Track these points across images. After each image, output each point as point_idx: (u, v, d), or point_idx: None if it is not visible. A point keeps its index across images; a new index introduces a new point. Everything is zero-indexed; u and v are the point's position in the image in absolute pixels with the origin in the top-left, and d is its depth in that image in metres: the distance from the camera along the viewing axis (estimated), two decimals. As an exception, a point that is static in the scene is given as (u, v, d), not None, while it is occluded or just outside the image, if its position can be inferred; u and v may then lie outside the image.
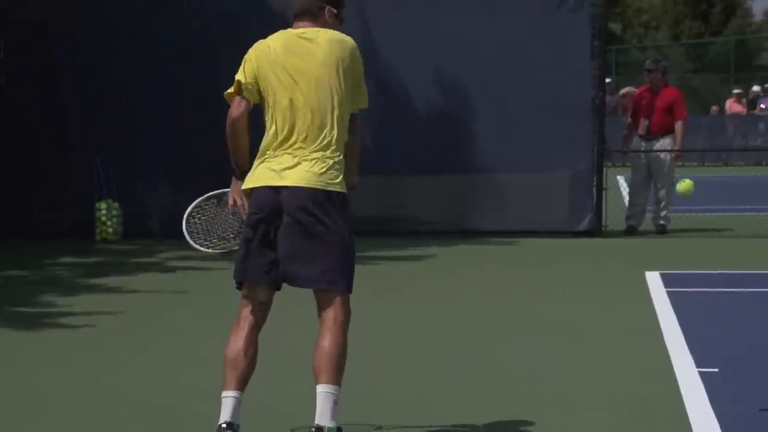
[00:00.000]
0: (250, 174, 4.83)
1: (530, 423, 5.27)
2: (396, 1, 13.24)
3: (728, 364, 6.38)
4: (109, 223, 13.06)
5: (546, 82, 12.77)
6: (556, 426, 5.23)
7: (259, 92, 4.87)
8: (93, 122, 13.40)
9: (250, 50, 4.94)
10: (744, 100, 29.16)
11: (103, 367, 6.71)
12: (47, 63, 13.44)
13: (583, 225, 12.99)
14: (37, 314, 8.47)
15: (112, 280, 10.14)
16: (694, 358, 6.51)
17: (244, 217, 4.91)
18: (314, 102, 4.77)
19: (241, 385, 4.75)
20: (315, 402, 4.63)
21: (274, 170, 4.74)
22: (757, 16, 57.29)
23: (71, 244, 12.69)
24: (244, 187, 4.84)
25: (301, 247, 4.69)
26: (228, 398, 4.74)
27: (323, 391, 4.60)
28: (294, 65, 4.81)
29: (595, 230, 12.93)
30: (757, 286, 9.52)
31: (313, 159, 4.72)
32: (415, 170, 13.11)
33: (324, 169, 4.71)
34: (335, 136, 4.77)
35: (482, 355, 6.88)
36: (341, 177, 4.75)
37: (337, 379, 4.62)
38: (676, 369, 6.27)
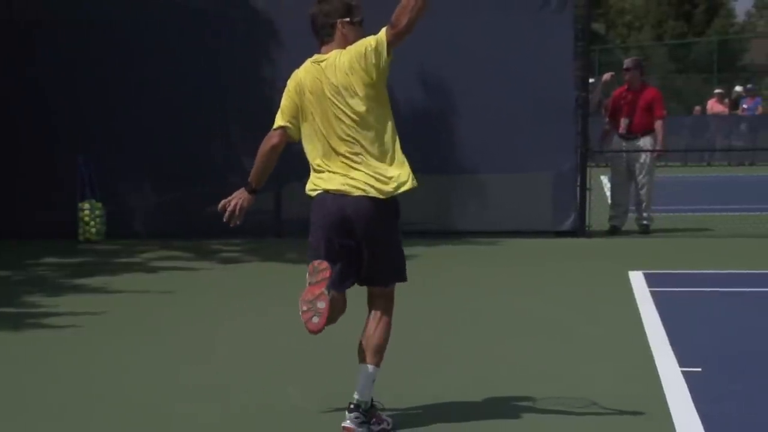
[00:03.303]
0: (318, 180, 5.04)
1: (513, 422, 5.29)
2: (380, 3, 13.24)
3: (711, 364, 6.41)
4: (92, 223, 13.06)
5: (529, 83, 12.81)
6: (539, 425, 5.25)
7: (299, 124, 5.10)
8: (76, 123, 13.39)
9: (289, 81, 5.15)
10: (726, 101, 29.24)
11: (90, 367, 6.70)
12: (31, 64, 13.43)
13: (567, 225, 13.04)
14: (21, 314, 8.46)
15: (97, 280, 10.14)
16: (677, 358, 6.53)
17: (232, 223, 5.14)
18: (335, 123, 4.95)
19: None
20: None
21: (330, 182, 4.97)
22: (740, 16, 57.66)
23: (54, 244, 12.67)
24: (313, 192, 5.05)
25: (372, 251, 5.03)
26: None
27: (369, 372, 5.07)
28: (314, 92, 4.99)
29: (579, 230, 12.98)
30: (740, 285, 9.55)
31: (354, 174, 4.93)
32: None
33: (367, 182, 4.92)
34: (367, 148, 4.94)
35: (466, 354, 6.89)
36: (383, 184, 4.93)
37: (380, 362, 5.10)
38: (659, 368, 6.29)
